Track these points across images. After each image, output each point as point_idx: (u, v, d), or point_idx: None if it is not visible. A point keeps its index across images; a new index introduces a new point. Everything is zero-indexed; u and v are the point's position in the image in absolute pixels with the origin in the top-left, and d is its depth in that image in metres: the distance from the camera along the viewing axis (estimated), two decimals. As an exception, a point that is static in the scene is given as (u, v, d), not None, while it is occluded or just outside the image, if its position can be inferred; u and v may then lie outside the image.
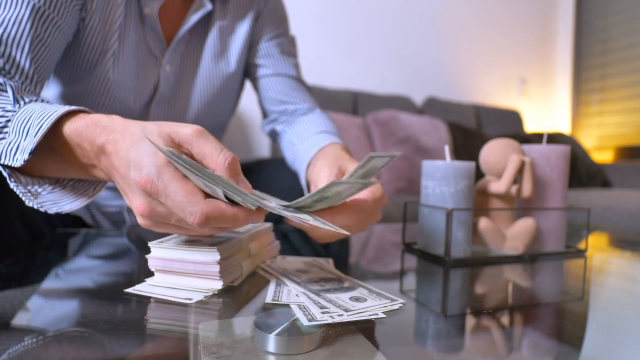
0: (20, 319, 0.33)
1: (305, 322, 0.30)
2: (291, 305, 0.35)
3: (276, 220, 0.81)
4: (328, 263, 0.50)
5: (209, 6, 0.72)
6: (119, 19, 0.65)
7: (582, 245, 0.66)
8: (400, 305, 0.36)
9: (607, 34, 2.86)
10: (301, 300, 0.36)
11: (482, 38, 2.79)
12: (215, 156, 0.35)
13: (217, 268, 0.38)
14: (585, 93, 3.01)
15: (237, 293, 0.40)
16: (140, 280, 0.41)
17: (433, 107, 2.41)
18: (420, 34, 2.59)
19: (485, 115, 2.59)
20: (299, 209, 0.39)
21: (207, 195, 0.34)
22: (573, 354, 0.31)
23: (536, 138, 2.32)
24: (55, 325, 0.32)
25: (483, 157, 0.62)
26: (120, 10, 0.65)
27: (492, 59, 2.84)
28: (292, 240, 0.69)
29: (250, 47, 0.82)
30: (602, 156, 2.86)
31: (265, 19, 0.81)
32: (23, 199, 0.45)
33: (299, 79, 0.84)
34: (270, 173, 0.86)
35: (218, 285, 0.39)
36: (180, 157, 0.33)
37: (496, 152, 0.60)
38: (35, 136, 0.41)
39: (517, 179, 0.62)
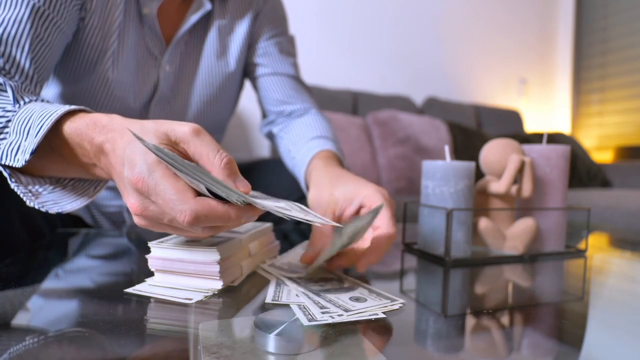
0: (20, 319, 0.33)
1: (305, 322, 0.30)
2: (291, 305, 0.35)
3: (276, 220, 0.81)
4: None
5: (208, 6, 0.72)
6: (118, 19, 0.65)
7: (582, 245, 0.66)
8: (400, 305, 0.36)
9: (607, 34, 2.86)
10: (301, 300, 0.36)
11: (482, 38, 2.79)
12: (211, 157, 0.35)
13: (217, 268, 0.38)
14: (585, 93, 3.01)
15: (237, 293, 0.39)
16: (140, 280, 0.41)
17: (433, 107, 2.41)
18: (420, 34, 2.59)
19: (485, 115, 2.59)
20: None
21: (200, 194, 0.34)
22: (573, 354, 0.31)
23: (536, 138, 2.32)
24: (55, 325, 0.32)
25: (483, 157, 0.62)
26: (119, 10, 0.65)
27: (492, 59, 2.84)
28: (292, 240, 0.69)
29: (249, 46, 0.82)
30: (602, 156, 2.86)
31: (264, 19, 0.81)
32: (24, 199, 0.45)
33: (297, 79, 0.84)
34: (270, 173, 0.87)
35: (218, 285, 0.39)
36: (163, 152, 0.32)
37: (496, 152, 0.60)
38: (36, 136, 0.41)
39: (517, 179, 0.62)
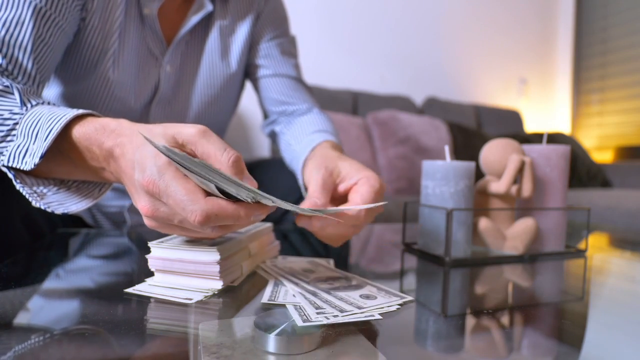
0: (20, 319, 0.33)
1: (300, 322, 0.30)
2: (287, 306, 0.35)
3: (276, 220, 0.81)
4: (329, 263, 0.50)
5: (209, 7, 0.72)
6: (119, 19, 0.65)
7: (582, 245, 0.66)
8: (410, 300, 0.37)
9: (607, 34, 2.86)
10: (297, 301, 0.36)
11: (482, 38, 2.79)
12: (219, 155, 0.36)
13: (217, 268, 0.38)
14: (585, 93, 3.01)
15: (237, 293, 0.40)
16: (140, 280, 0.41)
17: (433, 107, 2.41)
18: (420, 34, 2.59)
19: (485, 115, 2.59)
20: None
21: (209, 195, 0.34)
22: (573, 354, 0.31)
23: (536, 138, 2.32)
24: (56, 325, 0.32)
25: (483, 157, 0.62)
26: (120, 10, 0.65)
27: (492, 59, 2.84)
28: (292, 240, 0.69)
29: (251, 47, 0.82)
30: (602, 156, 2.86)
31: (266, 20, 0.81)
32: (30, 199, 0.45)
33: (298, 79, 0.84)
34: (270, 173, 0.86)
35: (218, 285, 0.39)
36: (173, 152, 0.33)
37: (496, 152, 0.60)
38: (45, 140, 0.42)
39: (517, 179, 0.62)
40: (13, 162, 0.44)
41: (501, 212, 0.60)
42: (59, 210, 0.46)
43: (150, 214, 0.35)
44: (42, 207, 0.45)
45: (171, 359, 0.28)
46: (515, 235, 0.59)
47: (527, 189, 0.59)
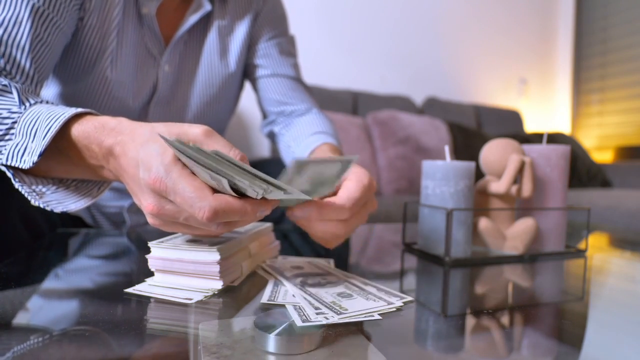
0: (20, 319, 0.33)
1: (299, 322, 0.30)
2: (286, 306, 0.35)
3: (276, 220, 0.81)
4: (329, 263, 0.50)
5: (208, 7, 0.72)
6: (117, 19, 0.65)
7: (582, 245, 0.66)
8: (410, 300, 0.37)
9: (607, 34, 2.86)
10: (297, 301, 0.36)
11: (482, 38, 2.79)
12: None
13: (217, 268, 0.38)
14: (585, 93, 3.01)
15: (237, 293, 0.40)
16: (140, 280, 0.41)
17: (433, 107, 2.41)
18: (420, 34, 2.59)
19: (485, 115, 2.59)
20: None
21: (216, 192, 0.34)
22: (573, 354, 0.31)
23: (536, 138, 2.32)
24: (55, 325, 0.32)
25: (483, 157, 0.62)
26: (117, 10, 0.65)
27: (492, 59, 2.84)
28: (292, 240, 0.69)
29: (249, 47, 0.81)
30: (602, 156, 2.86)
31: (264, 19, 0.81)
32: (29, 198, 0.45)
33: (297, 79, 0.84)
34: (270, 173, 0.86)
35: (218, 285, 0.39)
36: (188, 146, 0.33)
37: (496, 152, 0.60)
38: (44, 138, 0.42)
39: (517, 179, 0.62)
40: (12, 160, 0.44)
41: (501, 212, 0.60)
42: (58, 209, 0.46)
43: (155, 212, 0.35)
44: (41, 206, 0.45)
45: (171, 359, 0.28)
46: (515, 235, 0.59)
47: (527, 189, 0.59)
